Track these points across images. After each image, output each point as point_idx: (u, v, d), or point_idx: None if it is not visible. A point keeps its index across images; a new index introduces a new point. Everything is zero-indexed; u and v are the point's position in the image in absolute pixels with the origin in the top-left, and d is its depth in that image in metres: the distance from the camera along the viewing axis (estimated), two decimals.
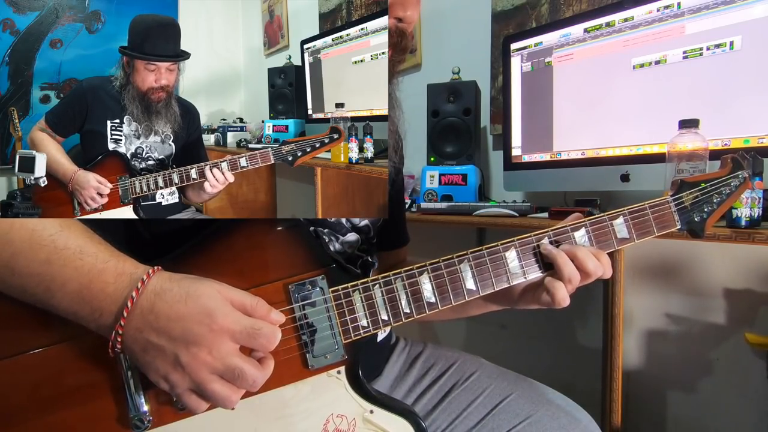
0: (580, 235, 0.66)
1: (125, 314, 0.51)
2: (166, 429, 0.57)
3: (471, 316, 0.85)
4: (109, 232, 0.58)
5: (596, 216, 0.67)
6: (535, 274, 0.65)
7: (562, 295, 0.62)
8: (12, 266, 0.52)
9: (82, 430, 0.55)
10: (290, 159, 1.11)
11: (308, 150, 1.11)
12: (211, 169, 1.13)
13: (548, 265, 0.65)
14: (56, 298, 0.52)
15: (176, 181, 1.19)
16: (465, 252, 0.63)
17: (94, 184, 1.19)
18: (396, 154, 0.85)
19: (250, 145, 2.39)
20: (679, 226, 0.68)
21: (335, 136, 1.11)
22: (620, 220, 0.67)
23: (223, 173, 1.13)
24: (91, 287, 0.52)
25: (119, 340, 0.52)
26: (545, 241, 0.65)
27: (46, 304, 0.53)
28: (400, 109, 0.82)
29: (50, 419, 0.55)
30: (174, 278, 0.54)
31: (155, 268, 0.55)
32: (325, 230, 0.76)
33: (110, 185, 1.21)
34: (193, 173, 1.17)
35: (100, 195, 1.20)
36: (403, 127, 0.83)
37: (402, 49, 0.73)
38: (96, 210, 1.21)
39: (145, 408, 0.55)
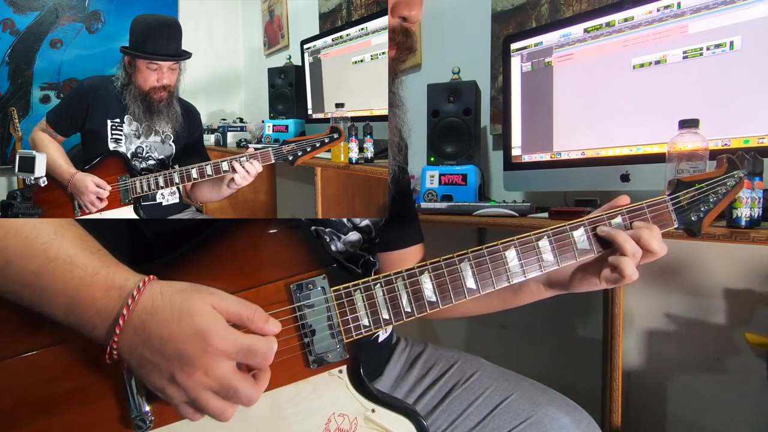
0: (579, 234, 0.67)
1: (117, 331, 0.51)
2: (168, 429, 0.57)
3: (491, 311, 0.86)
4: (111, 231, 0.58)
5: (594, 215, 0.68)
6: (535, 273, 0.65)
7: (632, 269, 0.64)
8: (6, 274, 0.52)
9: (84, 430, 0.55)
10: (290, 159, 1.12)
11: (308, 150, 1.11)
12: (239, 162, 1.11)
13: (603, 245, 0.67)
14: (50, 309, 0.52)
15: (177, 180, 1.19)
16: (465, 251, 0.64)
17: (92, 189, 1.18)
18: (400, 153, 0.85)
19: (251, 146, 2.39)
20: (676, 225, 0.69)
21: (335, 135, 1.12)
22: (618, 219, 0.68)
23: (253, 164, 1.11)
24: (80, 302, 0.52)
25: (115, 353, 0.52)
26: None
27: (42, 312, 0.53)
28: (405, 109, 0.82)
29: (52, 419, 0.55)
30: (166, 293, 0.53)
31: (147, 278, 0.54)
32: (327, 229, 0.76)
33: (109, 188, 1.20)
34: (194, 173, 1.17)
35: (100, 199, 1.19)
36: (407, 126, 0.83)
37: (407, 48, 0.74)
38: (97, 210, 1.21)
39: (147, 408, 0.55)
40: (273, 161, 1.13)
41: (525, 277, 0.65)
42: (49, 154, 1.22)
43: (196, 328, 0.51)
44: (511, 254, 0.65)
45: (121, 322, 0.51)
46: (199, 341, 0.51)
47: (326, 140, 1.11)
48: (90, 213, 1.21)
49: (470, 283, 0.63)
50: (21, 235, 0.53)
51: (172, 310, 0.52)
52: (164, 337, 0.51)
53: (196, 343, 0.51)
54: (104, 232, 0.58)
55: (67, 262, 0.52)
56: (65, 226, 0.55)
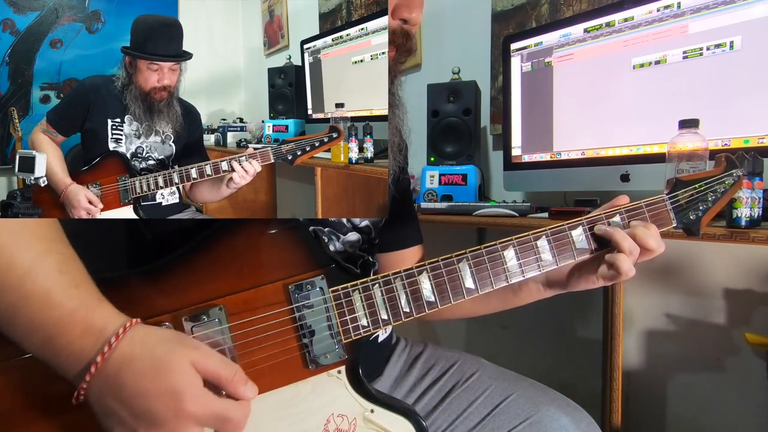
0: (578, 233, 0.67)
1: (87, 378, 0.48)
2: None
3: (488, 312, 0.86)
4: (110, 232, 0.58)
5: (593, 215, 0.68)
6: (533, 272, 0.65)
7: (628, 266, 0.64)
8: None
9: (88, 429, 0.55)
10: (290, 158, 1.12)
11: (308, 149, 1.11)
12: (238, 161, 1.11)
13: (601, 245, 0.67)
14: (26, 343, 0.50)
15: (176, 180, 1.19)
16: (464, 251, 0.64)
17: (84, 205, 1.17)
18: (401, 153, 0.85)
19: (251, 145, 2.39)
20: (674, 224, 0.69)
21: (334, 135, 1.12)
22: (617, 218, 0.68)
23: (251, 163, 1.11)
24: (56, 342, 0.49)
25: (81, 397, 0.50)
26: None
27: (17, 345, 0.51)
28: (405, 109, 0.82)
29: (52, 420, 0.55)
30: (147, 343, 0.50)
31: (130, 323, 0.50)
32: (326, 230, 0.76)
33: (101, 206, 1.19)
34: (194, 173, 1.17)
35: (91, 214, 1.19)
36: (407, 127, 0.83)
37: (407, 50, 0.74)
38: None
39: None
40: (272, 161, 1.13)
41: (524, 276, 0.65)
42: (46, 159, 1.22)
43: (171, 387, 0.48)
44: (509, 254, 0.65)
45: (92, 369, 0.48)
46: (171, 402, 0.48)
47: (325, 140, 1.11)
48: None
49: (469, 283, 0.63)
50: (4, 264, 0.49)
51: (151, 363, 0.49)
52: (136, 392, 0.48)
53: (167, 404, 0.47)
54: (104, 233, 0.57)
55: (43, 301, 0.49)
56: (46, 252, 0.51)
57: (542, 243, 0.66)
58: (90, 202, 1.18)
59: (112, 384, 0.48)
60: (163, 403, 0.47)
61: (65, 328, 0.49)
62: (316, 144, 1.11)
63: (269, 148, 1.12)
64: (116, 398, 0.48)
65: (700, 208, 0.69)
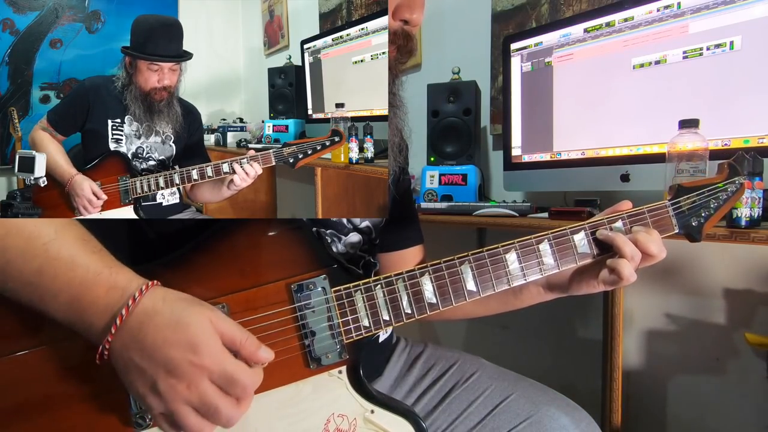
0: (580, 238, 0.67)
1: (113, 330, 0.51)
2: None
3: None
4: (111, 231, 0.58)
5: (595, 220, 0.68)
6: (535, 276, 0.66)
7: (629, 271, 0.64)
8: (6, 274, 0.52)
9: (84, 427, 0.56)
10: (291, 161, 1.12)
11: (309, 152, 1.12)
12: (239, 163, 1.12)
13: (603, 249, 0.67)
14: (50, 308, 0.52)
15: (177, 181, 1.19)
16: (466, 253, 0.64)
17: (87, 194, 1.18)
18: (401, 154, 0.86)
19: (250, 145, 2.39)
20: (676, 230, 0.69)
21: (336, 139, 1.12)
22: (619, 224, 0.68)
23: (252, 166, 1.12)
24: (82, 300, 0.52)
25: (106, 354, 0.52)
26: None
27: (41, 311, 0.53)
28: (405, 109, 0.82)
29: (52, 416, 0.55)
30: (168, 299, 0.53)
31: (151, 282, 0.54)
32: (328, 231, 0.76)
33: (105, 197, 1.20)
34: (194, 174, 1.17)
35: (93, 206, 1.19)
36: (408, 127, 0.84)
37: (408, 51, 0.74)
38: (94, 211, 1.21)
39: None
40: (273, 163, 1.13)
41: (525, 280, 0.65)
42: (49, 154, 1.23)
43: (189, 338, 0.50)
44: (511, 257, 0.65)
45: (118, 321, 0.51)
46: (189, 352, 0.50)
47: (327, 143, 1.12)
48: (84, 215, 1.21)
49: (470, 285, 0.64)
50: (22, 235, 0.53)
51: (171, 316, 0.51)
52: (157, 342, 0.50)
53: (185, 354, 0.50)
54: (104, 232, 0.58)
55: (68, 262, 0.52)
56: (66, 226, 0.55)
57: (544, 246, 0.66)
58: (94, 194, 1.19)
59: (135, 336, 0.51)
60: (181, 353, 0.50)
61: (90, 288, 0.52)
62: (318, 147, 1.12)
63: (271, 151, 1.13)
64: (138, 350, 0.51)
65: (702, 214, 0.69)
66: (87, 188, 1.19)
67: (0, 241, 0.53)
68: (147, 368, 0.50)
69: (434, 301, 0.63)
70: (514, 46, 1.44)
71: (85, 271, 0.52)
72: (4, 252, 0.52)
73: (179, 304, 0.53)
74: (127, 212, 1.23)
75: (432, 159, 1.63)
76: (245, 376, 0.52)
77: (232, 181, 1.14)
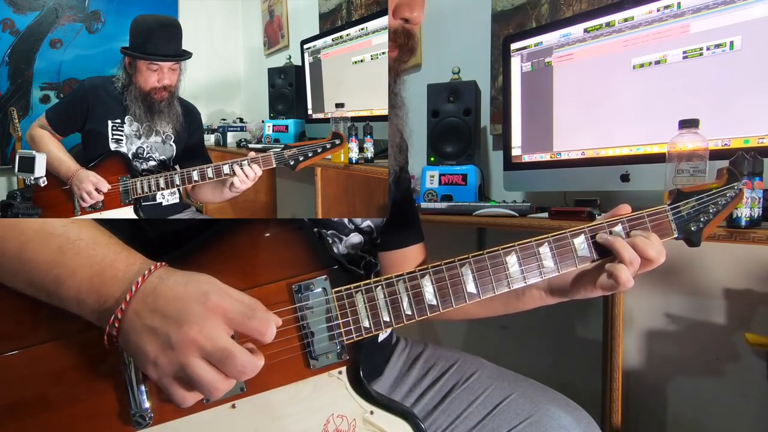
0: (580, 241, 0.67)
1: (128, 298, 0.52)
2: (167, 427, 0.57)
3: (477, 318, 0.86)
4: (116, 229, 0.59)
5: (595, 223, 0.68)
6: (535, 278, 0.66)
7: (627, 276, 0.64)
8: (21, 254, 0.54)
9: (83, 426, 0.56)
10: (292, 163, 1.12)
11: (310, 155, 1.12)
12: (240, 165, 1.12)
13: (603, 253, 0.67)
14: (64, 287, 0.53)
15: (177, 182, 1.19)
16: (466, 256, 0.64)
17: (92, 180, 1.19)
18: (401, 154, 0.86)
19: (250, 145, 2.39)
20: (676, 235, 0.70)
21: (337, 142, 1.12)
22: (619, 228, 0.68)
23: (252, 168, 1.12)
24: (103, 275, 0.53)
25: (116, 325, 0.52)
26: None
27: (52, 294, 0.53)
28: (406, 109, 0.82)
29: (51, 415, 0.55)
30: (179, 271, 0.55)
31: (164, 263, 0.56)
32: (329, 231, 0.76)
33: (108, 186, 1.20)
34: (195, 175, 1.17)
35: (98, 191, 1.19)
36: (408, 127, 0.84)
37: (409, 50, 0.74)
38: (95, 209, 1.21)
39: (147, 404, 0.56)
40: (274, 165, 1.13)
41: (525, 282, 0.65)
42: (50, 151, 1.23)
43: (200, 288, 0.53)
44: (511, 259, 0.65)
45: (133, 288, 0.52)
46: (201, 297, 0.52)
47: (328, 146, 1.12)
48: (87, 210, 1.21)
49: (471, 287, 0.64)
50: (37, 221, 0.56)
51: (182, 276, 0.54)
52: (169, 297, 0.52)
53: (198, 299, 0.52)
54: (112, 229, 0.58)
55: (90, 242, 0.55)
56: (79, 220, 0.58)
57: (544, 249, 0.66)
58: (96, 189, 1.19)
59: (147, 298, 0.52)
60: (192, 300, 0.52)
61: (112, 263, 0.54)
62: (319, 150, 1.12)
63: (271, 153, 1.13)
64: (150, 310, 0.52)
65: (701, 219, 0.70)
66: (88, 181, 1.19)
67: (17, 224, 0.55)
68: (159, 326, 0.51)
69: (434, 302, 0.63)
70: (514, 46, 1.44)
71: (107, 250, 0.55)
72: (22, 233, 0.54)
73: (194, 274, 0.55)
74: (127, 212, 1.23)
75: (432, 159, 1.63)
76: (260, 311, 0.53)
77: (232, 183, 1.14)
